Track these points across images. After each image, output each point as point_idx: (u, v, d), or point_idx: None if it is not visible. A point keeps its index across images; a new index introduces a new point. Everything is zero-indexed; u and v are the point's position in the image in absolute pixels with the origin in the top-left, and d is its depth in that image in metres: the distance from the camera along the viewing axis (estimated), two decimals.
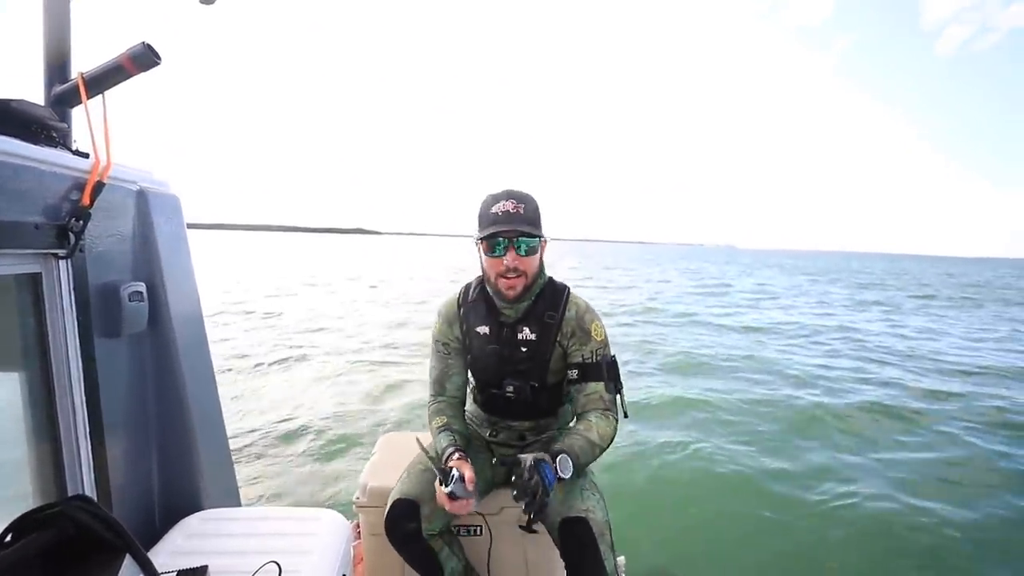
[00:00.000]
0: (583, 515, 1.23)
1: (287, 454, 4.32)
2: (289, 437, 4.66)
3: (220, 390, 1.49)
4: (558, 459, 1.16)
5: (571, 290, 1.43)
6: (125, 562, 0.78)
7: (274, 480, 3.86)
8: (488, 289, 1.40)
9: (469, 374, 1.54)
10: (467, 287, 1.48)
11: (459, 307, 1.46)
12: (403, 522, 1.32)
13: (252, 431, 4.77)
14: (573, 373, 1.35)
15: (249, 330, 9.68)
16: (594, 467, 1.43)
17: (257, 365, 7.22)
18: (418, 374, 6.48)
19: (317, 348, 8.61)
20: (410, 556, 1.37)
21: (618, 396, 1.35)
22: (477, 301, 1.44)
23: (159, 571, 1.00)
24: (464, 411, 1.51)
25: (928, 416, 5.49)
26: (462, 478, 1.19)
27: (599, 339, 1.36)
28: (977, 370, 7.81)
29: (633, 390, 5.98)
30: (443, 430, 1.36)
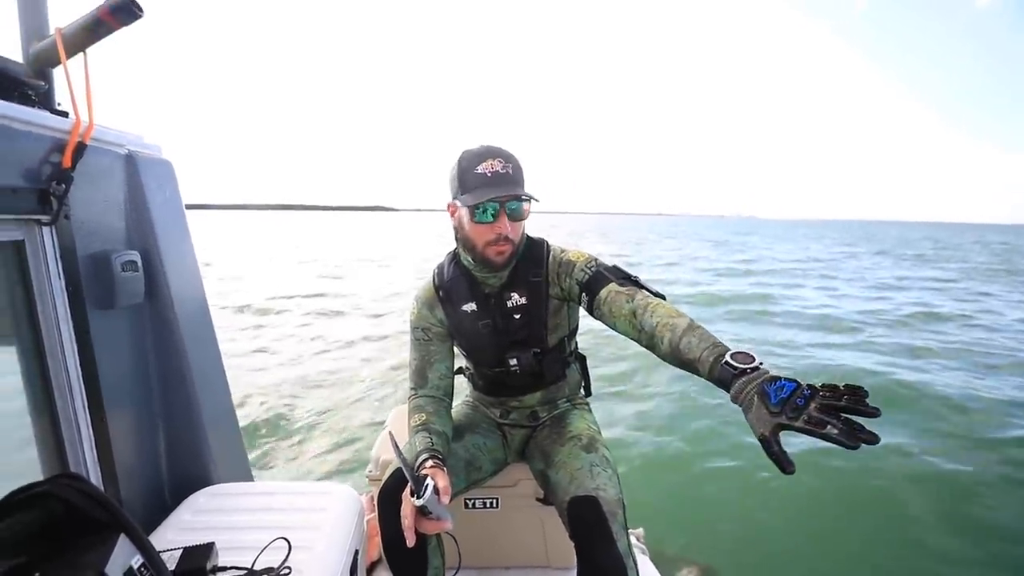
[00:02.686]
0: (593, 494, 1.13)
1: (300, 428, 4.37)
2: (302, 411, 4.71)
3: (225, 362, 1.44)
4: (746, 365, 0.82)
5: (548, 242, 1.33)
6: (119, 541, 0.73)
7: (287, 455, 3.91)
8: (466, 261, 1.29)
9: (464, 360, 1.44)
10: (440, 267, 1.36)
11: (437, 289, 1.33)
12: (397, 494, 1.12)
13: (263, 405, 4.82)
14: (583, 300, 1.19)
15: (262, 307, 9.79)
16: (606, 439, 1.34)
17: (266, 337, 7.31)
18: None
19: (330, 321, 8.69)
20: (401, 533, 1.11)
21: (638, 286, 1.14)
22: (456, 278, 1.31)
23: (166, 548, 0.97)
24: (448, 404, 1.34)
25: None
26: (437, 491, 1.00)
27: (583, 258, 1.23)
28: None
29: None
30: (420, 430, 1.19)
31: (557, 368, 1.37)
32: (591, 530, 1.10)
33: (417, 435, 1.17)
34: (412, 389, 1.32)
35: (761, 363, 0.82)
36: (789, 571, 2.71)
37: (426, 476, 1.01)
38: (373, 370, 5.99)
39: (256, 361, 6.29)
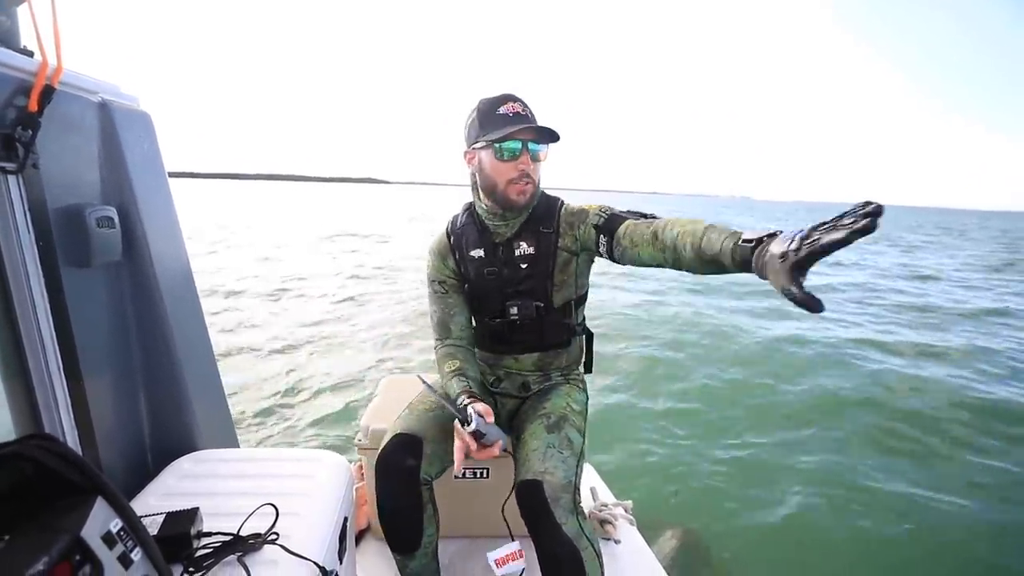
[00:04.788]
0: (538, 477, 1.10)
1: (288, 397, 4.34)
2: (290, 380, 4.68)
3: (212, 327, 1.40)
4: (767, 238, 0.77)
5: (562, 199, 1.33)
6: (97, 504, 0.70)
7: (274, 423, 3.88)
8: (481, 209, 1.30)
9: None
10: (454, 218, 1.39)
11: (449, 238, 1.36)
12: (402, 457, 1.19)
13: (250, 373, 4.79)
14: (602, 244, 1.18)
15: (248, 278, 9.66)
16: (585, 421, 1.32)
17: (251, 303, 7.23)
18: (423, 318, 6.44)
19: (317, 289, 8.61)
20: (399, 499, 1.22)
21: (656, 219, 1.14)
22: (467, 226, 1.34)
23: (148, 513, 0.94)
24: (474, 353, 1.37)
25: None
26: (481, 416, 1.06)
27: (596, 206, 1.24)
28: None
29: None
30: (456, 375, 1.23)
31: (560, 333, 1.34)
32: (536, 516, 1.08)
33: (454, 379, 1.22)
34: (437, 339, 1.36)
35: (779, 231, 0.76)
36: (777, 540, 2.77)
37: (467, 405, 1.10)
38: (364, 340, 5.96)
39: (244, 329, 6.21)
